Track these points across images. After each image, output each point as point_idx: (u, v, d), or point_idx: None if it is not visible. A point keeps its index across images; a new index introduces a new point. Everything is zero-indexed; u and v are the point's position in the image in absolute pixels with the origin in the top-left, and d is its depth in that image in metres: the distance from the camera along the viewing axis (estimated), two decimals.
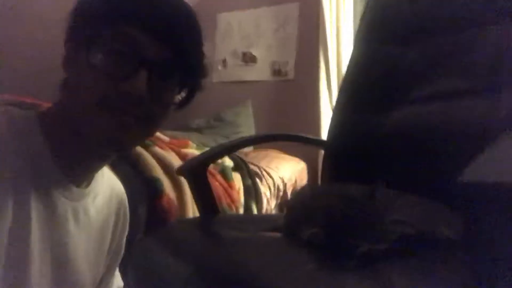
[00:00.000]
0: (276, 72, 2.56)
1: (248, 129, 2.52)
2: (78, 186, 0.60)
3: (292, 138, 1.13)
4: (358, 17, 2.44)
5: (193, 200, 1.25)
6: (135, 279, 0.79)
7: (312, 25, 2.37)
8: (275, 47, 2.56)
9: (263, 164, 1.97)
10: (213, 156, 0.94)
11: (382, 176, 0.75)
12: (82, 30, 0.53)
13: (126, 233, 0.79)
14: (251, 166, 1.81)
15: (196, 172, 0.90)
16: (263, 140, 1.22)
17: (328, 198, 0.72)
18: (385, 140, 0.94)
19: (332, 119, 1.16)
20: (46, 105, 1.35)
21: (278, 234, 0.73)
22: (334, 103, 2.27)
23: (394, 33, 1.10)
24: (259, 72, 2.59)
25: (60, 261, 0.59)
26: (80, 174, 0.61)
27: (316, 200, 0.74)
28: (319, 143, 1.20)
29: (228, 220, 0.90)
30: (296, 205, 0.77)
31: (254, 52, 2.61)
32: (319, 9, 2.28)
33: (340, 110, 1.15)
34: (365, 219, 0.71)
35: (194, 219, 1.00)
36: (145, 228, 1.11)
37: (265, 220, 0.95)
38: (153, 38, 0.52)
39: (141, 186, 1.11)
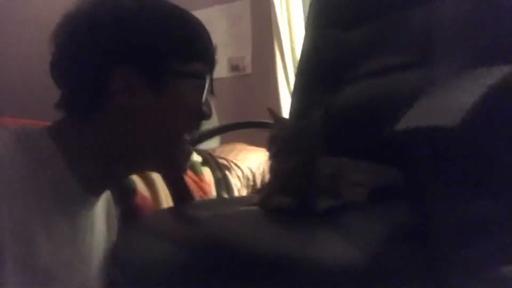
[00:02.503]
0: (234, 68, 2.62)
1: (211, 126, 2.55)
2: (95, 196, 0.61)
3: (251, 125, 1.19)
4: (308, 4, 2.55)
5: (167, 196, 1.29)
6: (121, 273, 0.82)
7: (265, 19, 2.44)
8: (230, 43, 2.62)
9: (231, 157, 2.03)
10: None
11: (339, 147, 0.84)
12: (158, 64, 0.56)
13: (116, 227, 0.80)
14: (220, 160, 1.86)
15: None
16: (226, 130, 1.28)
17: (295, 172, 0.79)
18: (338, 116, 1.02)
19: (291, 104, 1.24)
20: (7, 119, 1.34)
21: (253, 208, 0.79)
22: None
23: (338, 18, 1.18)
24: (217, 69, 2.63)
25: (85, 274, 0.61)
26: (101, 188, 0.62)
27: (285, 174, 0.81)
28: None
29: (203, 204, 0.95)
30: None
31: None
32: (270, 2, 2.36)
33: (296, 95, 1.23)
34: (326, 184, 0.79)
35: (170, 207, 1.04)
36: (121, 227, 1.14)
37: (238, 200, 1.01)
38: (209, 68, 0.62)
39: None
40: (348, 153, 0.90)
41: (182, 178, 0.97)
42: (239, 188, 1.85)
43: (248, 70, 2.59)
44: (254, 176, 2.06)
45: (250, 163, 2.07)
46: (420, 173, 0.50)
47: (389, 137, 0.53)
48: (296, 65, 2.33)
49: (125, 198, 1.16)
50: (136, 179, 1.21)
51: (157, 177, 1.28)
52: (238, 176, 1.89)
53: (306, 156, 0.79)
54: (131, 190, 1.17)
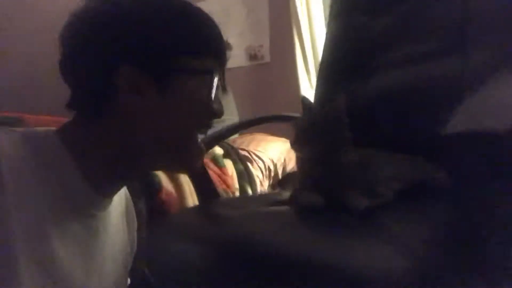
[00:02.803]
0: (252, 56, 2.58)
1: (230, 115, 2.54)
2: (107, 197, 0.60)
3: (280, 118, 1.16)
4: None
5: (191, 190, 1.29)
6: (150, 274, 0.82)
7: (283, 7, 2.39)
8: (248, 32, 2.58)
9: (251, 148, 2.01)
10: (208, 143, 0.97)
11: (368, 138, 0.80)
12: (163, 61, 0.54)
13: (136, 226, 0.80)
14: (241, 151, 1.85)
15: None
16: (253, 124, 1.26)
17: (324, 166, 0.77)
18: (366, 106, 0.99)
19: (315, 91, 1.20)
20: (29, 116, 1.35)
21: (283, 207, 0.78)
22: (313, 82, 2.32)
23: (364, 4, 1.14)
24: (235, 58, 2.61)
25: (99, 274, 0.60)
26: (112, 189, 0.60)
27: (312, 168, 0.78)
28: None
29: (229, 202, 0.94)
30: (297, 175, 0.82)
31: (228, 40, 2.62)
32: None
33: (321, 84, 1.19)
34: (357, 179, 0.76)
35: (196, 206, 1.04)
36: (146, 222, 1.14)
37: (264, 197, 0.99)
38: (219, 64, 0.59)
39: (138, 182, 1.14)
40: (379, 144, 0.87)
41: (207, 174, 0.96)
42: (261, 180, 1.84)
43: (267, 58, 2.55)
44: (275, 167, 2.04)
45: (271, 154, 2.05)
46: (468, 171, 0.47)
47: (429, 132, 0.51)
48: (316, 55, 2.30)
49: (150, 193, 1.16)
50: (160, 174, 1.21)
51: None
52: (259, 168, 1.88)
53: (329, 145, 0.76)
54: (157, 186, 1.17)
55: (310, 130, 0.76)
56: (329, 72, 1.18)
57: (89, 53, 0.53)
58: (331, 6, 1.26)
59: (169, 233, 0.84)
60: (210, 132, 1.06)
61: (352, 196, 0.69)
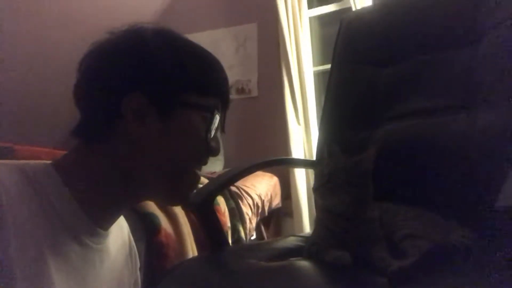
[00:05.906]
0: (240, 90, 2.60)
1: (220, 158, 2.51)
2: (103, 229, 0.61)
3: (288, 162, 1.16)
4: (314, 34, 2.55)
5: (189, 232, 1.24)
6: None
7: (272, 43, 2.43)
8: (236, 66, 2.60)
9: (240, 183, 1.98)
10: (218, 187, 0.95)
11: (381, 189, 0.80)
12: (171, 94, 0.57)
13: (139, 266, 0.79)
14: (231, 187, 1.82)
15: (204, 205, 0.91)
16: (265, 166, 1.27)
17: (345, 221, 0.76)
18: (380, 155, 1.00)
19: (319, 139, 1.21)
20: (20, 147, 1.27)
21: (302, 261, 0.75)
22: (300, 118, 2.35)
23: (369, 55, 1.17)
24: None
25: None
26: (107, 219, 0.61)
27: (333, 223, 0.78)
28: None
29: (238, 251, 0.91)
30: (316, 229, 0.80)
31: None
32: (278, 27, 2.35)
33: (325, 130, 1.20)
34: (377, 236, 0.76)
35: (205, 255, 0.99)
36: (145, 265, 1.09)
37: (271, 245, 0.97)
38: (221, 105, 0.63)
39: (138, 223, 1.09)
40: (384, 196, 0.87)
41: (218, 221, 0.93)
42: (250, 217, 1.81)
43: (254, 93, 2.58)
44: (263, 203, 2.02)
45: (259, 190, 2.03)
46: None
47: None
48: (304, 93, 2.34)
49: (150, 234, 1.11)
50: (160, 214, 1.16)
51: (179, 212, 1.24)
52: (249, 204, 1.85)
53: (356, 198, 0.76)
54: (156, 227, 1.12)
55: (336, 178, 0.76)
56: (335, 116, 1.19)
57: (104, 77, 0.57)
58: (334, 52, 1.30)
59: (179, 284, 0.80)
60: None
61: (380, 254, 0.69)
